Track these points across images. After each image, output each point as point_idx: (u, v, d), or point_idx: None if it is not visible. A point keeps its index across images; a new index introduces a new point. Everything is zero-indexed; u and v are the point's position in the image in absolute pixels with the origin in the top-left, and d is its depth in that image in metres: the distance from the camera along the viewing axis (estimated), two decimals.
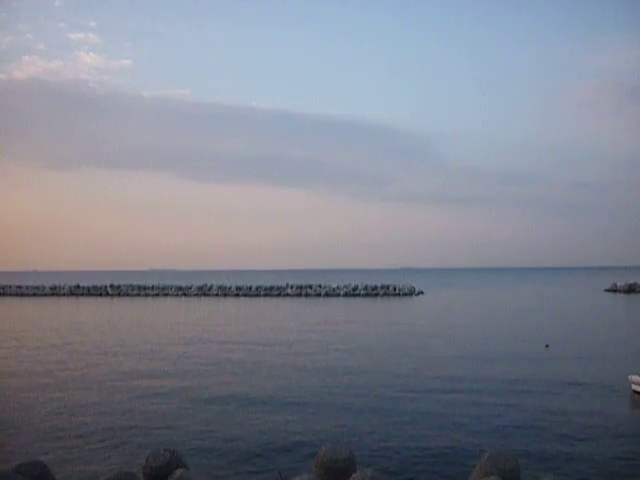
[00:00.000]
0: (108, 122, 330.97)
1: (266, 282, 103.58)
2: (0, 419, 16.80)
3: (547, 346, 30.30)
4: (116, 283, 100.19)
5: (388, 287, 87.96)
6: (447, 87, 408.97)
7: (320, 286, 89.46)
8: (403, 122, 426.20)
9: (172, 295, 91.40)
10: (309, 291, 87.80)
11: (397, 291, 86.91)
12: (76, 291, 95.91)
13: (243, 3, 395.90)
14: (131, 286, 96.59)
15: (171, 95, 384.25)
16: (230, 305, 69.47)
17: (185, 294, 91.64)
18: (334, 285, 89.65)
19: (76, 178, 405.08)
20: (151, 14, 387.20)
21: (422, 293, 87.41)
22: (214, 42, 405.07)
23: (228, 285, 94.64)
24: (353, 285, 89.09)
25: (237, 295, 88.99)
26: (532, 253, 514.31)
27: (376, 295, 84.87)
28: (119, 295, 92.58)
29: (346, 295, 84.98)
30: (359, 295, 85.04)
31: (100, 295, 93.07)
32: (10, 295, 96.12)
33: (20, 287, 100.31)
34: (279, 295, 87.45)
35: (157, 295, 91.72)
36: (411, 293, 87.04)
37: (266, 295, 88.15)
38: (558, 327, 40.64)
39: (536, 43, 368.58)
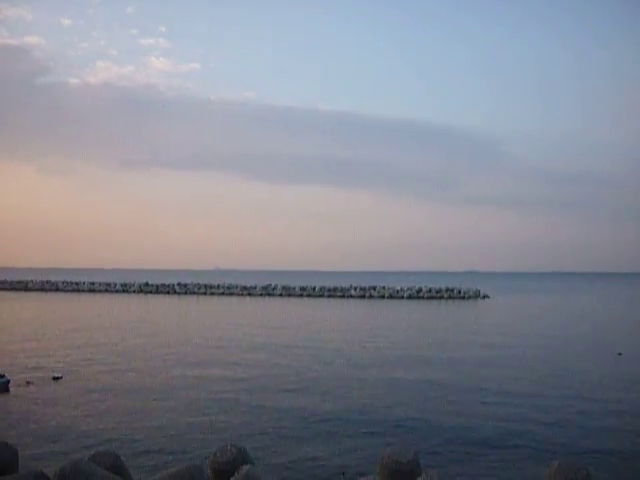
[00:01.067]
0: (177, 124, 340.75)
1: (329, 283, 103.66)
2: (61, 420, 17.46)
3: (620, 354, 29.22)
4: (183, 281, 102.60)
5: (453, 290, 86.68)
6: (516, 88, 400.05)
7: (384, 288, 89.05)
8: (471, 123, 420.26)
9: (237, 294, 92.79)
10: (373, 293, 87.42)
11: (462, 294, 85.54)
12: (145, 288, 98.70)
13: (308, 9, 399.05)
14: (197, 285, 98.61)
15: (238, 98, 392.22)
16: (306, 306, 69.98)
17: (250, 294, 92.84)
18: (398, 287, 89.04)
19: (145, 179, 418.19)
20: (219, 19, 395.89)
21: (487, 297, 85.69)
22: (280, 46, 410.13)
23: (292, 285, 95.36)
24: (417, 287, 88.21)
25: (301, 295, 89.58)
26: (606, 257, 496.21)
27: (440, 298, 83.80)
28: (186, 293, 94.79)
29: (410, 297, 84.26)
30: (423, 298, 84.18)
31: (168, 293, 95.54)
32: (83, 291, 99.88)
33: (93, 284, 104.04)
34: (342, 296, 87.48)
35: (222, 294, 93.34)
36: (476, 297, 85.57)
37: (330, 296, 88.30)
38: (633, 335, 39.10)
39: (609, 43, 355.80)
